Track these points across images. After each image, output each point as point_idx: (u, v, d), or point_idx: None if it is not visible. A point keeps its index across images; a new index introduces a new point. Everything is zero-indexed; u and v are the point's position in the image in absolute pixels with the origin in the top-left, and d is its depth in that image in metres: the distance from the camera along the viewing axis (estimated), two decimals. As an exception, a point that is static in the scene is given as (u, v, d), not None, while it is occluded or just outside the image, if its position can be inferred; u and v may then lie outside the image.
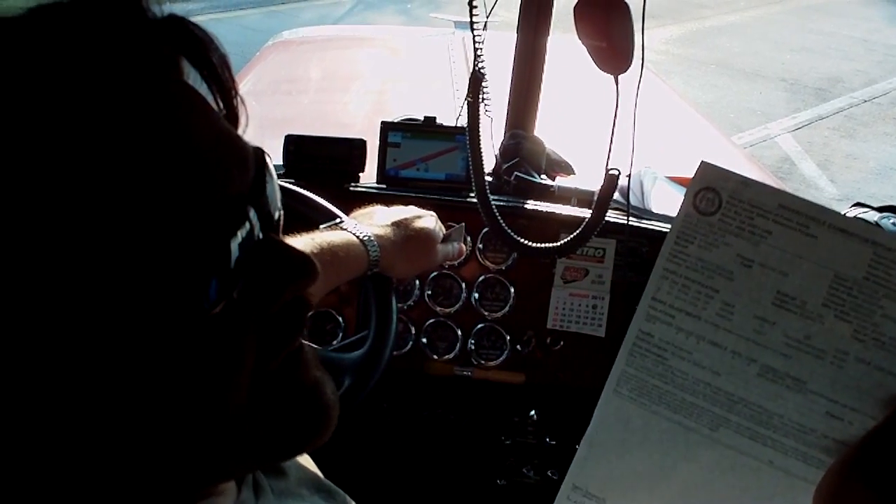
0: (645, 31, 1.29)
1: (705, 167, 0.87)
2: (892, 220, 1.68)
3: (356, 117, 3.13)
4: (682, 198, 1.67)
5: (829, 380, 0.84)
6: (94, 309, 0.44)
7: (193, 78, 0.52)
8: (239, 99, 0.57)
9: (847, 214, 1.68)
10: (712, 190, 0.87)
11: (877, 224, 1.66)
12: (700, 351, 0.87)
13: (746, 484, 0.88)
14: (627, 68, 1.24)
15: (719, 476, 0.89)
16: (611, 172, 1.32)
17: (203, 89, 0.53)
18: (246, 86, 3.43)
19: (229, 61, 0.56)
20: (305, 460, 0.83)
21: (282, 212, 0.57)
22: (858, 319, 0.82)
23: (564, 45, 1.98)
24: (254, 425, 0.54)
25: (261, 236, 0.52)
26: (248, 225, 0.51)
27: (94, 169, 0.43)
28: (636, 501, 0.92)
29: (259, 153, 0.55)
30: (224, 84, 0.55)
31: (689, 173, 1.92)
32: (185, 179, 0.47)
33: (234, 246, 0.49)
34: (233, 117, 0.57)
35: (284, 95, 3.52)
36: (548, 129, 1.97)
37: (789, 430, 0.86)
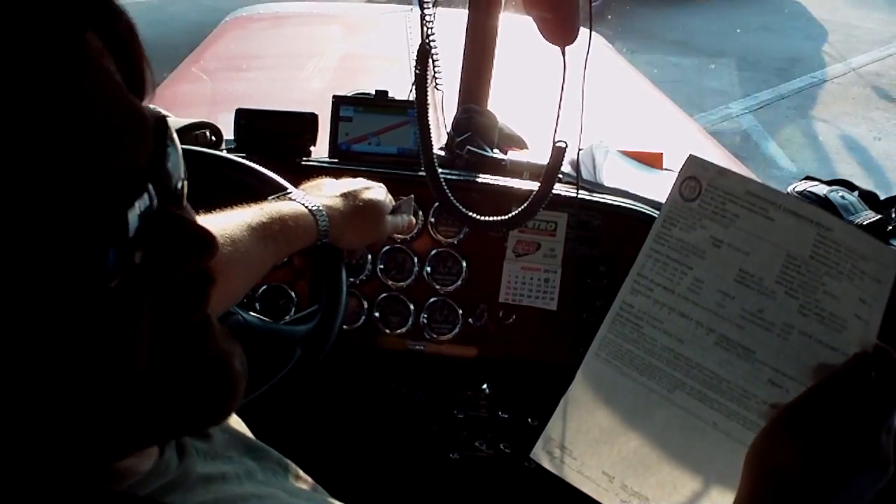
0: (592, 5, 1.29)
1: (691, 159, 0.99)
2: (840, 194, 1.70)
3: (312, 93, 3.11)
4: (636, 171, 1.72)
5: (774, 350, 0.91)
6: None
7: (96, 46, 0.51)
8: (146, 65, 0.56)
9: (797, 187, 1.71)
10: (694, 179, 0.98)
11: (826, 197, 1.68)
12: (670, 321, 0.97)
13: (691, 444, 0.95)
14: (573, 40, 1.24)
15: (669, 434, 0.96)
16: (558, 145, 1.32)
17: (106, 58, 0.52)
18: (203, 62, 3.40)
19: (137, 29, 0.55)
20: (235, 422, 0.84)
21: (185, 182, 0.57)
22: (804, 295, 0.90)
23: (520, 21, 1.98)
24: (159, 396, 0.54)
25: (159, 207, 0.52)
26: (146, 197, 0.50)
27: None
28: (597, 455, 1.00)
29: (160, 124, 0.55)
30: (130, 51, 0.54)
31: (643, 148, 1.92)
32: (81, 152, 0.46)
33: (133, 217, 0.49)
34: (139, 85, 0.55)
35: (241, 72, 3.50)
36: (501, 104, 1.97)
37: (734, 394, 0.93)
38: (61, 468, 0.53)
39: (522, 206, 1.39)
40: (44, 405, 0.48)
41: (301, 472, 0.85)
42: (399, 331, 1.73)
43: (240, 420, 0.85)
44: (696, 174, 0.98)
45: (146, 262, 0.50)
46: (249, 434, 0.84)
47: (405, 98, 1.75)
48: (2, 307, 0.44)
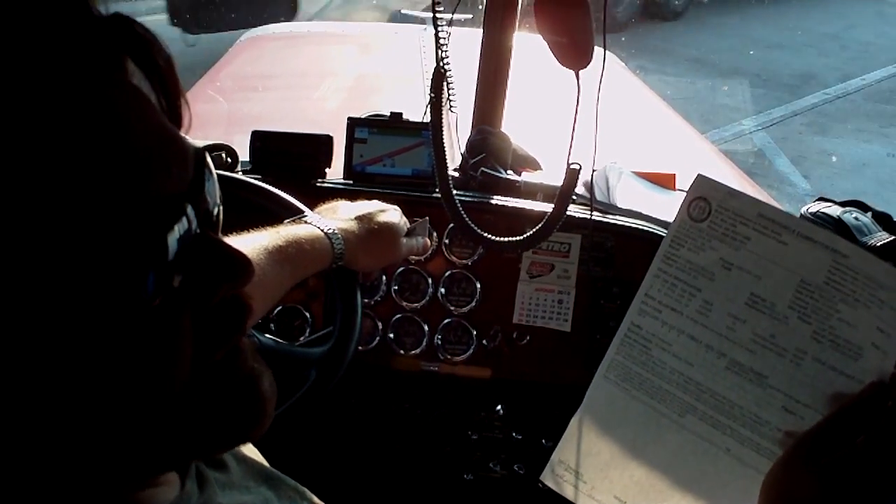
0: (606, 28, 1.30)
1: (700, 179, 0.97)
2: (854, 215, 1.70)
3: (327, 113, 3.12)
4: (649, 192, 1.72)
5: (787, 376, 0.90)
6: (35, 300, 0.45)
7: (138, 78, 0.53)
8: (183, 99, 0.58)
9: (810, 208, 1.70)
10: (704, 199, 0.97)
11: (839, 218, 1.67)
12: (679, 343, 0.96)
13: (704, 469, 0.94)
14: (588, 63, 1.25)
15: (682, 460, 0.95)
16: (572, 167, 1.33)
17: (146, 89, 0.54)
18: (218, 82, 3.42)
19: (174, 62, 0.57)
20: (250, 451, 0.84)
21: (221, 207, 0.59)
22: (818, 321, 0.89)
23: (533, 42, 1.99)
24: (192, 415, 0.55)
25: (198, 231, 0.53)
26: (185, 221, 0.52)
27: (34, 166, 0.44)
28: (608, 479, 0.99)
29: (199, 153, 0.57)
30: (168, 84, 0.56)
31: (658, 169, 1.91)
32: (124, 177, 0.48)
33: (172, 241, 0.50)
34: (176, 117, 0.57)
35: (256, 92, 3.52)
36: (515, 125, 1.98)
37: (747, 420, 0.91)
38: (92, 488, 0.54)
39: (537, 228, 1.40)
40: (82, 422, 0.49)
41: (316, 499, 0.85)
42: (413, 352, 1.73)
43: (253, 448, 0.86)
44: (705, 195, 0.96)
45: (185, 284, 0.52)
46: (264, 462, 0.84)
47: (419, 119, 1.76)
48: (41, 322, 0.45)
